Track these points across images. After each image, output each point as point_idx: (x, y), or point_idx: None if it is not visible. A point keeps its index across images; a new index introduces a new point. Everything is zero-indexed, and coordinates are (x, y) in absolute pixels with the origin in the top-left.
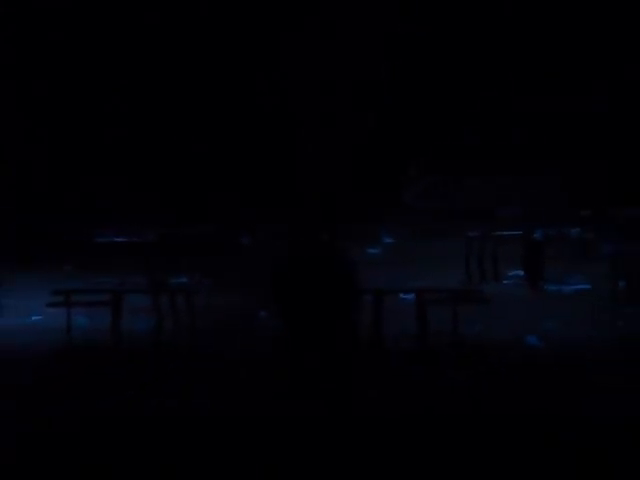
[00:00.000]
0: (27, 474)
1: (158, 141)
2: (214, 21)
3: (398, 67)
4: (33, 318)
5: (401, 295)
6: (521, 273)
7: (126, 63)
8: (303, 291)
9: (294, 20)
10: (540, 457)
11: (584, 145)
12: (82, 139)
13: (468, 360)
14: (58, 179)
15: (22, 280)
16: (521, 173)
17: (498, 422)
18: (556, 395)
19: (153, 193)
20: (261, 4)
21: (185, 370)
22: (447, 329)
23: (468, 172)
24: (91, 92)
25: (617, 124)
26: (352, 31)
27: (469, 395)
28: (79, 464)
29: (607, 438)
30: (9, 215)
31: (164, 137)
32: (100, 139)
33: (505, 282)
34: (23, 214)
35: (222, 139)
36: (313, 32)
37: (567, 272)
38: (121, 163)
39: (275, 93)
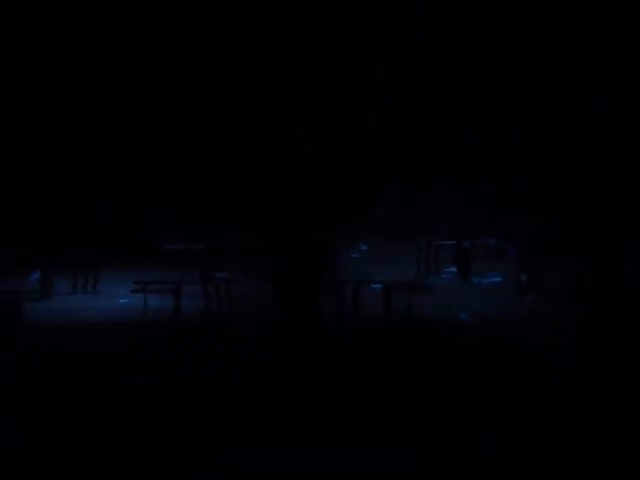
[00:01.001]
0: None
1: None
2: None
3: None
4: (121, 300)
5: (372, 285)
6: (454, 270)
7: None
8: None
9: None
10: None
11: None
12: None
13: (419, 329)
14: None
15: (113, 274)
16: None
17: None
18: (475, 355)
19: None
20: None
21: (225, 337)
22: (404, 308)
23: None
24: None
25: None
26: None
27: (416, 354)
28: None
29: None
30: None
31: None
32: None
33: (443, 276)
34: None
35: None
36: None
37: (486, 269)
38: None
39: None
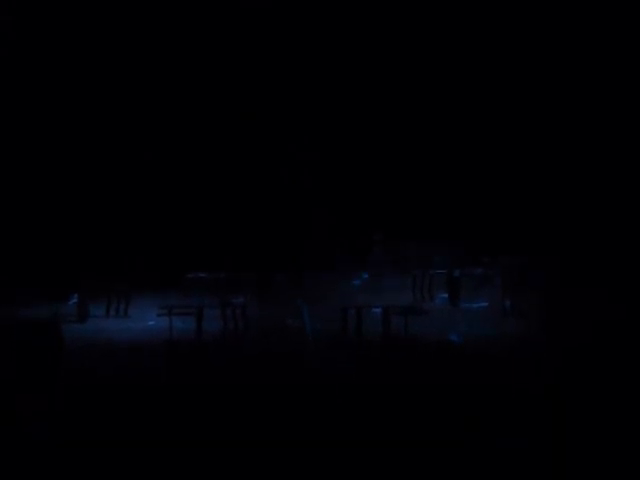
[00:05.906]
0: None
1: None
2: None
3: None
4: (149, 322)
5: (373, 309)
6: (445, 296)
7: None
8: None
9: None
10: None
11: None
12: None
13: (413, 347)
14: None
15: (142, 298)
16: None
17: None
18: (464, 368)
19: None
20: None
21: (240, 351)
22: (401, 329)
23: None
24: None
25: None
26: None
27: (413, 364)
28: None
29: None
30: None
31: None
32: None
33: (436, 301)
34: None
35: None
36: None
37: (473, 295)
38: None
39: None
